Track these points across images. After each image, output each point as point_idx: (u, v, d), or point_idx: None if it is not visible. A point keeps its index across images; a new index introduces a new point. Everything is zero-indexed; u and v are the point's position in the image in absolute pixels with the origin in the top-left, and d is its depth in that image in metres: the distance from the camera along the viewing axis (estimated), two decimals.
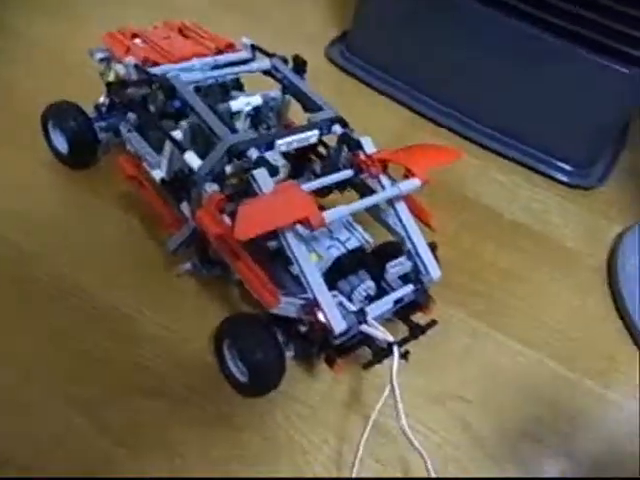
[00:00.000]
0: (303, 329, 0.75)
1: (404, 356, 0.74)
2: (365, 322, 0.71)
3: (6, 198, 1.00)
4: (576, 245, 1.16)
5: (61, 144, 1.03)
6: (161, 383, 0.81)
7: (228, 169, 0.76)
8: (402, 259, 0.78)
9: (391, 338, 0.72)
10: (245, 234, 0.62)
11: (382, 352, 0.73)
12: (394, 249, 0.82)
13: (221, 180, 0.78)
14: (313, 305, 0.68)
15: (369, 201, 0.75)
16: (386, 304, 0.74)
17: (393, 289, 0.77)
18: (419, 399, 0.84)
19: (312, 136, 0.81)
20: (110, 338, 0.84)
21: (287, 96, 0.91)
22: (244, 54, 0.96)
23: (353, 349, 0.75)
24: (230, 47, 0.98)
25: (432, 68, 1.36)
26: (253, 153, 0.73)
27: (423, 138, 1.31)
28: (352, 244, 0.77)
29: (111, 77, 0.97)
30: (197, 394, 0.80)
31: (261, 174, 0.71)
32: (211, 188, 0.75)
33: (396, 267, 0.76)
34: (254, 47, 0.96)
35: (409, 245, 0.78)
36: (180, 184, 0.82)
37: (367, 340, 0.74)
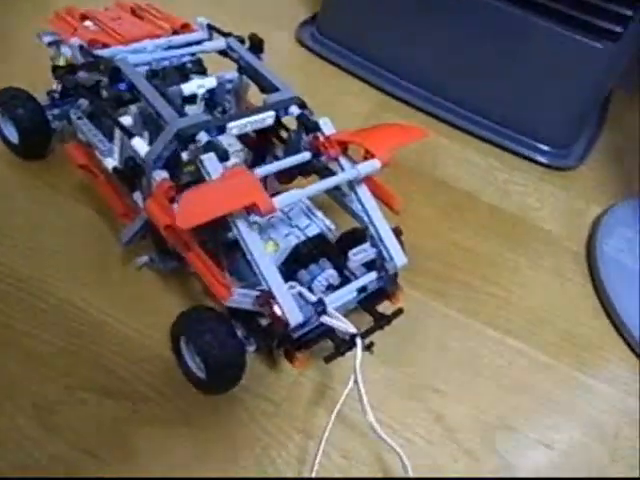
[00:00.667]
0: (264, 322, 0.71)
1: (368, 348, 0.70)
2: (325, 313, 0.67)
3: None
4: (555, 228, 1.13)
5: (11, 133, 0.97)
6: (119, 381, 0.76)
7: (184, 156, 0.72)
8: (365, 246, 0.74)
9: (353, 329, 0.68)
10: (187, 222, 0.58)
11: (345, 344, 0.69)
12: (359, 236, 0.78)
13: (175, 168, 0.73)
14: (268, 297, 0.64)
15: (325, 184, 0.71)
16: (348, 293, 0.71)
17: (357, 278, 0.73)
18: (390, 392, 0.81)
19: (267, 118, 0.76)
20: (65, 335, 0.80)
21: (245, 77, 0.86)
22: (200, 34, 0.91)
23: (314, 342, 0.71)
24: (186, 27, 0.93)
25: (402, 48, 1.32)
26: (203, 137, 0.69)
27: (394, 120, 1.26)
28: (312, 231, 0.73)
29: (61, 62, 0.92)
30: (156, 392, 0.76)
31: (209, 159, 0.66)
32: (160, 176, 0.71)
33: (359, 254, 0.72)
34: (210, 27, 0.91)
35: (372, 231, 0.74)
36: (132, 172, 0.78)
37: (329, 332, 0.70)
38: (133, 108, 0.77)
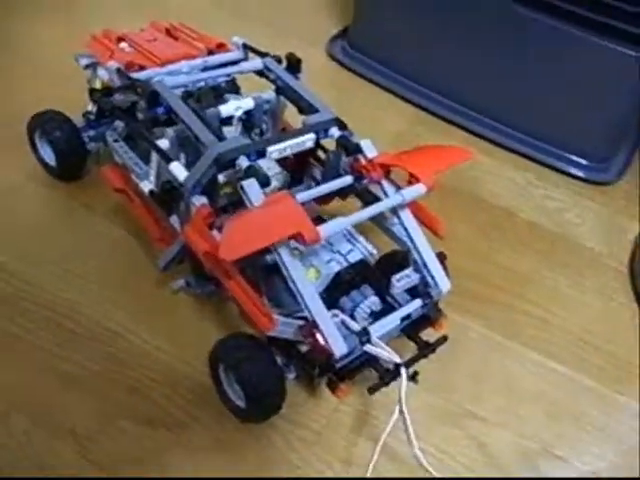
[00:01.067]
0: (304, 349, 0.70)
1: (413, 377, 0.68)
2: (369, 342, 0.65)
3: None
4: (596, 245, 1.09)
5: (48, 155, 0.98)
6: (156, 408, 0.76)
7: (221, 178, 0.71)
8: (408, 271, 0.72)
9: (398, 359, 0.66)
10: (231, 254, 0.57)
11: (389, 374, 0.67)
12: (400, 258, 0.76)
13: (213, 191, 0.73)
14: (312, 327, 0.63)
15: (370, 211, 0.70)
16: (392, 322, 0.69)
17: (400, 304, 0.72)
18: (431, 419, 0.79)
19: (307, 141, 0.75)
20: (101, 359, 0.79)
21: (282, 98, 0.85)
22: (236, 54, 0.91)
23: (357, 371, 0.69)
24: (221, 47, 0.93)
25: (437, 62, 1.29)
26: (243, 162, 0.68)
27: (429, 136, 1.25)
28: (354, 257, 0.72)
29: (97, 84, 0.92)
30: (194, 420, 0.75)
31: (251, 185, 0.65)
32: (199, 201, 0.70)
33: (402, 280, 0.71)
34: (246, 46, 0.91)
35: (416, 256, 0.72)
36: (169, 196, 0.77)
37: (372, 361, 0.68)
38: (170, 131, 0.76)
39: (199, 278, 0.80)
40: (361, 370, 0.69)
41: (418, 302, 0.71)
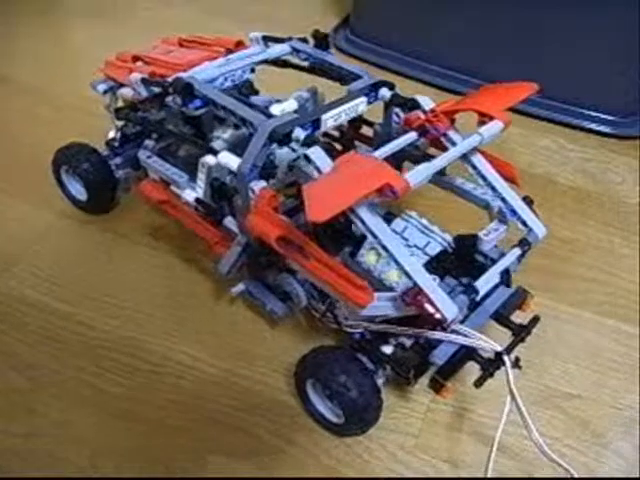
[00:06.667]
0: (388, 350, 0.66)
1: (516, 364, 0.64)
2: (477, 294, 0.61)
3: (29, 257, 0.91)
4: None
5: (77, 190, 0.94)
6: (245, 436, 0.72)
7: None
8: (494, 224, 0.67)
9: (498, 347, 0.63)
10: (323, 214, 0.50)
11: (492, 364, 0.63)
12: (471, 241, 0.72)
13: (268, 176, 0.69)
14: (416, 292, 0.56)
15: (454, 153, 0.64)
16: (493, 277, 0.64)
17: (493, 260, 0.67)
18: (528, 405, 0.74)
19: (360, 104, 0.71)
20: (177, 394, 0.75)
21: (320, 91, 0.82)
22: (257, 48, 0.86)
23: (459, 368, 0.65)
24: (240, 45, 0.89)
25: (446, 35, 1.26)
26: (299, 133, 0.63)
27: None
28: (433, 249, 0.68)
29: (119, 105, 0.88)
30: (286, 441, 0.71)
31: (316, 153, 0.60)
32: (258, 186, 0.65)
33: (490, 234, 0.66)
34: (266, 38, 0.87)
35: (501, 205, 0.67)
36: (221, 195, 0.73)
37: (471, 354, 0.65)
38: (219, 137, 0.73)
39: (258, 284, 0.77)
40: (462, 366, 0.65)
41: (517, 251, 0.66)
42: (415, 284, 0.57)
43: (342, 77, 0.78)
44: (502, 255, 0.67)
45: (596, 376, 0.80)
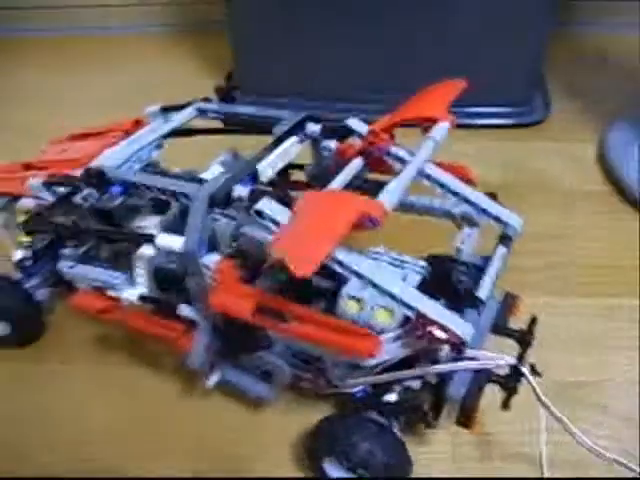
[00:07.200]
0: (394, 398, 0.60)
1: (534, 371, 0.59)
2: (483, 304, 0.57)
3: None
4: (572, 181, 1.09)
5: None
6: None
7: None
8: (466, 230, 0.65)
9: (512, 359, 0.57)
10: (306, 267, 0.45)
11: (510, 379, 0.58)
12: (445, 260, 0.67)
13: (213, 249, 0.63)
14: (422, 320, 0.51)
15: (415, 165, 0.60)
16: (489, 283, 0.60)
17: (478, 268, 0.62)
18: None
19: (292, 145, 0.67)
20: None
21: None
22: (158, 121, 0.80)
23: (480, 395, 0.58)
24: (138, 123, 0.82)
25: (334, 67, 1.25)
26: (241, 191, 0.58)
27: None
28: (412, 281, 0.61)
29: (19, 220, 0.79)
30: None
31: (267, 205, 0.54)
32: (213, 260, 0.59)
33: (466, 243, 0.63)
34: (165, 109, 0.81)
35: (467, 208, 0.64)
36: (170, 284, 0.65)
37: (488, 377, 0.58)
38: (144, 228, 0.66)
39: (233, 369, 0.69)
40: (482, 392, 0.58)
41: (502, 250, 0.62)
42: (419, 313, 0.51)
43: (261, 126, 0.73)
44: (487, 260, 0.62)
45: (602, 358, 0.77)
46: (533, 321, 0.64)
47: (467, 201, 0.64)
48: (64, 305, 0.84)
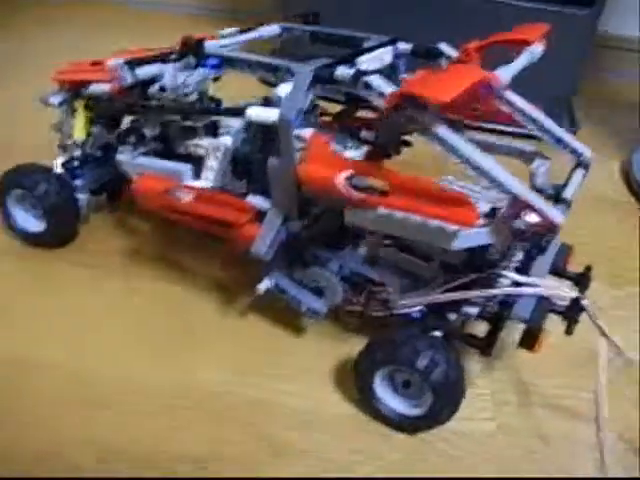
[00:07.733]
0: (454, 318, 0.61)
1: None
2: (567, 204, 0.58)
3: None
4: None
5: (29, 221, 0.80)
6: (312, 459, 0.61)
7: None
8: (539, 160, 0.64)
9: (574, 292, 0.59)
10: (446, 95, 0.47)
11: (572, 311, 0.59)
12: None
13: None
14: (520, 206, 0.52)
15: (514, 67, 0.61)
16: (571, 191, 0.60)
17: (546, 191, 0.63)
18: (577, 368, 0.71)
19: (386, 52, 0.67)
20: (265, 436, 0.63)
21: None
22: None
23: (543, 319, 0.59)
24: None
25: None
26: (343, 70, 0.58)
27: None
28: (484, 208, 0.62)
29: (78, 122, 0.77)
30: (376, 457, 0.61)
31: (375, 79, 0.57)
32: (308, 132, 0.60)
33: (541, 167, 0.63)
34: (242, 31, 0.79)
35: (546, 136, 0.64)
36: (244, 167, 0.66)
37: (548, 306, 0.60)
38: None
39: (287, 278, 0.68)
40: (546, 317, 0.59)
41: (581, 172, 0.63)
42: (516, 195, 0.52)
43: (355, 43, 0.73)
44: (562, 185, 0.62)
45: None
46: (588, 268, 0.66)
47: (545, 129, 0.64)
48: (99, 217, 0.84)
